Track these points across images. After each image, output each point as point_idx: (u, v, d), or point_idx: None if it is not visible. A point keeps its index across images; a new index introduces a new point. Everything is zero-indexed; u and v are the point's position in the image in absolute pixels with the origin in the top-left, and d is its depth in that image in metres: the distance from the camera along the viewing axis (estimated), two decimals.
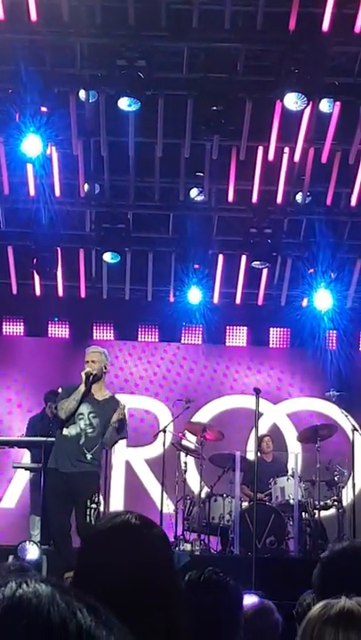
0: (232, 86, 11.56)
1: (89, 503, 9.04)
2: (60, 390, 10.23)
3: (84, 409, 9.43)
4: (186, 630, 2.17)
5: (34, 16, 10.50)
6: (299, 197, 13.29)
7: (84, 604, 1.02)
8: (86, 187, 13.11)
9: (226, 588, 4.12)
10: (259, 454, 11.46)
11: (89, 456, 9.39)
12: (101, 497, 10.09)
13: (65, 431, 9.50)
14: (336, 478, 11.55)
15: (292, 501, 11.30)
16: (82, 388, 9.41)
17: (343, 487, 11.56)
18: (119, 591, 2.01)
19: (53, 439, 9.91)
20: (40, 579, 1.03)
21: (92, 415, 9.46)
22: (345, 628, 2.30)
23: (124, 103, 11.18)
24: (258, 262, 13.39)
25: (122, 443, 13.47)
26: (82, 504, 9.09)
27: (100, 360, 9.65)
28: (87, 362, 9.68)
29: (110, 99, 11.47)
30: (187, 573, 4.27)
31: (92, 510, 9.03)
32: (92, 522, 8.69)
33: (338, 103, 11.90)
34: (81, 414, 9.43)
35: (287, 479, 11.60)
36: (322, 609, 2.34)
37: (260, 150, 12.60)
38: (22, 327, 14.61)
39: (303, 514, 11.39)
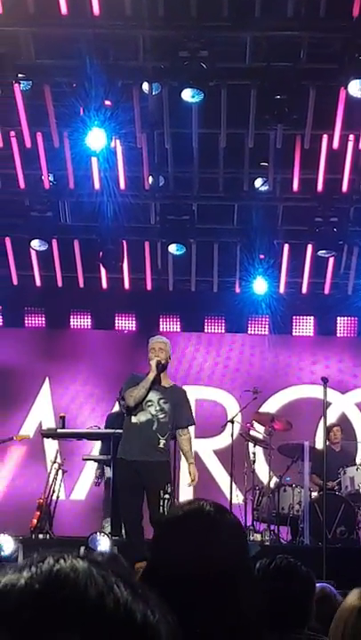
0: (295, 74, 11.47)
1: (162, 494, 9.09)
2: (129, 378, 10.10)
3: (153, 396, 9.45)
4: (258, 616, 2.18)
5: (97, 10, 10.56)
6: None
7: (122, 579, 1.02)
8: (151, 179, 13.15)
9: (298, 574, 4.17)
10: (328, 443, 11.45)
11: (162, 442, 9.41)
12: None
13: (134, 419, 9.49)
14: None
15: None
16: (151, 375, 9.42)
17: None
18: (192, 578, 2.02)
19: (121, 431, 9.92)
20: (77, 555, 1.03)
21: (162, 401, 9.47)
22: None
23: (188, 94, 11.16)
24: (324, 251, 13.31)
25: (190, 433, 13.61)
26: (155, 494, 9.13)
27: (167, 349, 9.71)
28: (153, 349, 9.68)
29: (173, 90, 11.47)
30: (258, 562, 4.31)
31: (166, 501, 9.06)
32: (166, 513, 8.66)
33: None
34: (150, 401, 9.45)
35: (357, 469, 11.57)
36: (358, 598, 2.33)
37: (325, 138, 12.52)
38: (90, 320, 14.75)
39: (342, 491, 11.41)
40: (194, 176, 13.22)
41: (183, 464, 10.88)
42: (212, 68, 11.09)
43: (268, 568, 4.15)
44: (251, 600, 2.14)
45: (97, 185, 12.88)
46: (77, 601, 0.97)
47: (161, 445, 9.46)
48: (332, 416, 12.79)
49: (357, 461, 11.88)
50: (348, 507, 11.16)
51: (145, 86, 11.78)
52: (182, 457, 10.01)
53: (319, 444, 12.26)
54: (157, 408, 9.53)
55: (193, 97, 11.21)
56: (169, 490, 9.44)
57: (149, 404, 9.46)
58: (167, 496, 9.34)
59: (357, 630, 2.34)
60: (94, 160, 12.48)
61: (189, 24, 10.94)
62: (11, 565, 1.01)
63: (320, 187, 13.00)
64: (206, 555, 2.12)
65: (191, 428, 10.03)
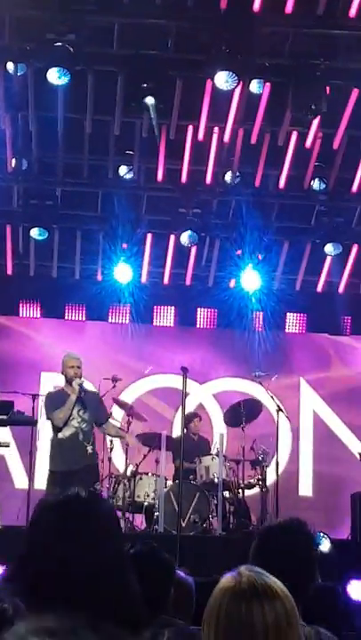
0: (163, 64, 11.56)
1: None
2: (43, 399, 10.98)
3: (74, 410, 10.35)
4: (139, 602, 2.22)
5: None
6: (228, 178, 13.36)
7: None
8: (14, 162, 13.00)
9: (161, 561, 4.33)
10: (186, 432, 11.55)
11: (89, 448, 10.41)
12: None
13: (60, 434, 10.38)
14: (260, 458, 11.73)
15: (216, 480, 11.43)
16: (74, 397, 10.32)
17: (267, 467, 11.73)
18: (70, 564, 2.03)
19: None
20: None
21: (81, 412, 10.42)
22: (253, 599, 2.34)
23: (54, 75, 11.05)
24: (186, 241, 13.38)
25: (49, 424, 13.53)
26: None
27: (81, 364, 10.53)
28: (72, 367, 10.47)
29: (39, 72, 11.34)
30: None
31: None
32: None
33: (268, 84, 11.96)
34: (71, 416, 10.35)
35: (212, 458, 11.75)
36: (230, 582, 2.36)
37: (190, 130, 12.64)
38: None
39: (227, 493, 11.54)
40: (58, 161, 13.13)
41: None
42: (79, 51, 11.03)
43: (130, 553, 4.23)
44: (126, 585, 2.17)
45: None
46: None
47: (89, 451, 10.41)
48: (190, 406, 12.96)
49: (213, 451, 12.02)
50: (203, 495, 11.29)
51: (10, 66, 11.59)
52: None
53: (176, 433, 12.38)
54: (79, 420, 10.42)
55: (59, 78, 11.08)
56: (98, 487, 10.35)
57: (71, 418, 10.39)
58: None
59: (232, 612, 2.33)
60: None
61: (57, 6, 10.82)
62: None
63: (184, 178, 13.13)
64: (81, 543, 2.12)
65: (110, 420, 11.18)
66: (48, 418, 10.57)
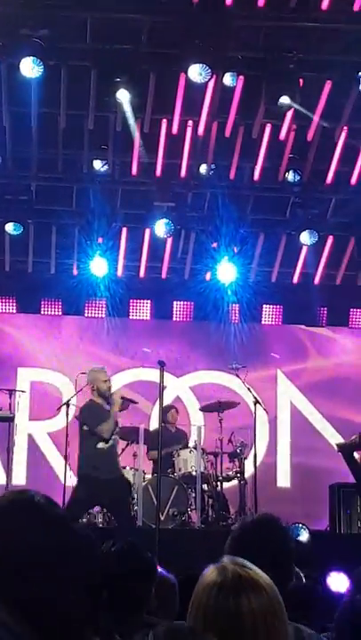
0: (136, 58, 11.52)
1: (130, 500, 11.17)
2: (81, 412, 11.18)
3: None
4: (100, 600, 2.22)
5: None
6: (203, 170, 13.34)
7: None
8: None
9: (142, 560, 4.33)
10: (164, 424, 11.56)
11: (119, 460, 11.27)
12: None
13: (100, 444, 10.79)
14: (238, 450, 11.76)
15: (194, 473, 11.50)
16: (117, 410, 10.89)
17: (245, 459, 11.76)
18: (15, 566, 2.01)
19: None
20: None
21: (115, 425, 10.98)
22: (240, 592, 2.34)
23: (28, 67, 10.96)
24: (162, 230, 13.37)
25: (24, 417, 13.50)
26: (123, 502, 10.95)
27: None
28: (105, 381, 11.03)
29: (12, 67, 11.29)
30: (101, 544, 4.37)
31: (133, 505, 11.15)
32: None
33: (241, 77, 11.95)
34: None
35: (190, 451, 11.78)
36: (215, 576, 2.36)
37: (165, 123, 12.62)
38: None
39: (206, 485, 11.58)
40: (32, 156, 13.04)
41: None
42: (52, 46, 11.00)
43: (112, 552, 4.27)
44: (69, 593, 2.12)
45: None
46: None
47: (120, 463, 11.23)
48: (167, 399, 12.94)
49: (190, 444, 12.04)
50: (181, 489, 11.33)
51: None
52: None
53: (153, 426, 12.39)
54: (116, 432, 11.03)
55: (33, 69, 10.97)
56: (134, 496, 11.28)
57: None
58: (134, 501, 11.25)
59: (218, 607, 2.32)
60: None
61: (30, 1, 10.78)
62: None
63: (159, 171, 13.11)
64: (30, 543, 2.10)
65: None
66: (92, 430, 10.78)
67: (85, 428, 10.98)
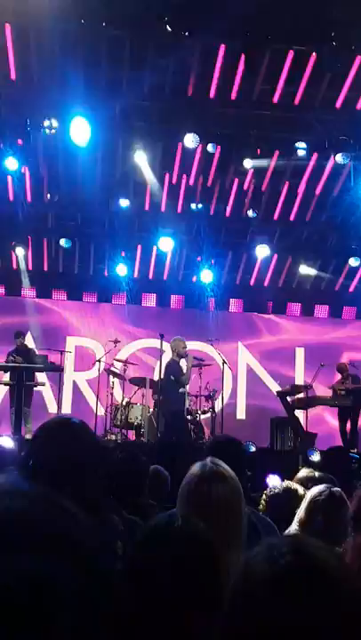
0: (150, 132, 11.22)
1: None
2: (167, 367, 10.69)
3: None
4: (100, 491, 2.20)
5: None
6: (193, 207, 12.87)
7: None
8: None
9: (138, 461, 4.31)
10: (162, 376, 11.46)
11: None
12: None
13: (181, 390, 10.56)
14: (211, 394, 11.62)
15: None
16: (190, 366, 10.61)
17: (216, 400, 11.64)
18: (59, 469, 1.97)
19: None
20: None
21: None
22: (212, 481, 2.33)
23: (82, 139, 10.49)
24: (165, 248, 13.11)
25: (70, 369, 13.30)
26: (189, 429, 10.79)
27: None
28: (184, 347, 10.68)
29: (66, 135, 10.73)
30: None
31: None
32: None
33: (219, 146, 11.46)
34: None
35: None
36: (198, 470, 2.36)
37: (167, 175, 12.31)
38: None
39: (189, 416, 11.43)
40: (78, 195, 12.47)
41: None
42: (95, 123, 10.60)
43: (118, 457, 4.25)
44: (94, 481, 2.11)
45: None
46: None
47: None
48: (165, 359, 12.82)
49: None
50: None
51: None
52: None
53: (156, 377, 12.32)
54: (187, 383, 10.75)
55: (83, 137, 10.51)
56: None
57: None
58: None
59: (197, 491, 2.27)
60: None
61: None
62: None
63: (163, 207, 12.75)
64: (71, 447, 2.08)
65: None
66: (177, 380, 10.54)
67: (172, 377, 10.63)
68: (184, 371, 10.61)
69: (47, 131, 11.04)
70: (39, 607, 0.74)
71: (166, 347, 11.42)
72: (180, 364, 10.72)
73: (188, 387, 10.81)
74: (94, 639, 0.78)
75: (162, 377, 11.08)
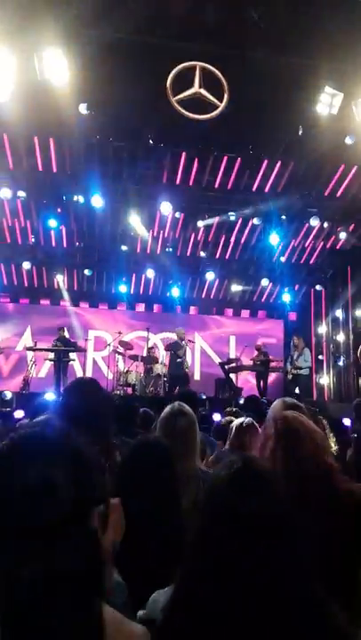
0: (135, 201, 11.07)
1: None
2: (170, 346, 10.59)
3: None
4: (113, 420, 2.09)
5: None
6: (167, 250, 12.72)
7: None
8: None
9: (130, 407, 4.14)
10: (148, 353, 11.89)
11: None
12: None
13: (178, 360, 10.29)
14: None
15: (161, 373, 11.47)
16: (187, 348, 10.41)
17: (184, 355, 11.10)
18: (87, 418, 1.80)
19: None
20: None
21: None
22: (177, 415, 2.27)
23: (97, 203, 10.52)
24: (151, 276, 13.27)
25: (90, 350, 13.47)
26: None
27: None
28: (184, 333, 10.63)
29: (83, 200, 10.82)
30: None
31: None
32: None
33: (182, 214, 11.74)
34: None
35: (162, 366, 11.70)
36: (169, 409, 2.24)
37: (151, 232, 12.17)
38: None
39: (165, 379, 11.29)
40: (96, 242, 12.37)
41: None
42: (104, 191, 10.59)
43: (117, 403, 4.29)
44: (108, 411, 2.07)
45: None
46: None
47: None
48: (150, 343, 12.69)
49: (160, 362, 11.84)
50: (157, 380, 11.27)
51: None
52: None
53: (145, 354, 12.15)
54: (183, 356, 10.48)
55: (98, 203, 10.48)
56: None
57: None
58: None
59: (167, 423, 2.19)
60: None
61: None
62: None
63: (148, 250, 12.61)
64: (87, 400, 2.00)
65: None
66: (178, 355, 10.38)
67: (173, 352, 10.64)
68: (182, 349, 10.76)
69: (76, 201, 11.29)
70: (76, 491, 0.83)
71: (152, 336, 11.91)
72: (182, 344, 10.94)
73: (185, 357, 10.80)
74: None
75: (164, 353, 11.42)
